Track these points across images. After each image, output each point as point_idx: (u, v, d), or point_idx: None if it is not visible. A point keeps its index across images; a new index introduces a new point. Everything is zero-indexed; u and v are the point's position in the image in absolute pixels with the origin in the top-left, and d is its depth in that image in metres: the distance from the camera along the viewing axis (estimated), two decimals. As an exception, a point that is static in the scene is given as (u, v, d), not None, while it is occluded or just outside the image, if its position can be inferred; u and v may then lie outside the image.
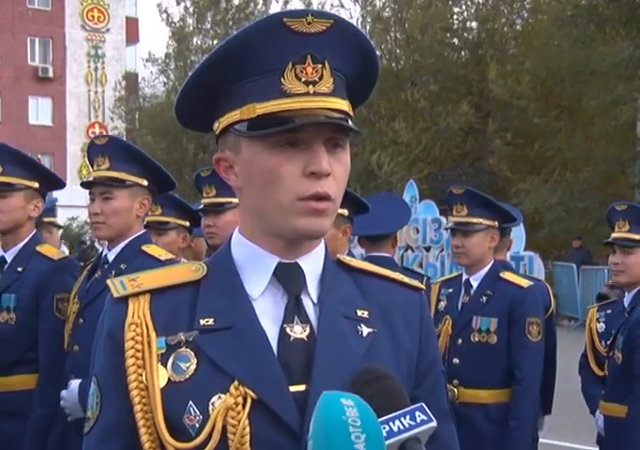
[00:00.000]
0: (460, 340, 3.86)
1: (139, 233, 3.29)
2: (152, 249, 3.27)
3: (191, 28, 27.18)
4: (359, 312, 1.40)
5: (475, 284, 3.94)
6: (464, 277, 4.01)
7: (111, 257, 3.25)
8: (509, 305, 3.81)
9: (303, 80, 1.29)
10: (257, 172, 1.32)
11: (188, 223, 4.54)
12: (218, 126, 1.38)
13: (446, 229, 4.20)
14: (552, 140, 19.83)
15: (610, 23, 18.43)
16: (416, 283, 1.51)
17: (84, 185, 3.34)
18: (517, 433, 3.71)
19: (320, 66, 1.30)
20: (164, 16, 27.29)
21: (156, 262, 3.09)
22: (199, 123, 1.45)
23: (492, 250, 4.00)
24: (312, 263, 1.40)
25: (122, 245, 3.24)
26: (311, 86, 1.29)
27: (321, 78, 1.30)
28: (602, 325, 4.30)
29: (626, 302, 4.10)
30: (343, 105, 1.34)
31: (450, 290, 4.05)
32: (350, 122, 1.35)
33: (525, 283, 3.95)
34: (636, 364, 3.59)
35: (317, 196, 1.30)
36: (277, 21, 1.28)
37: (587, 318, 4.44)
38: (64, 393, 3.23)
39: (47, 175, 3.70)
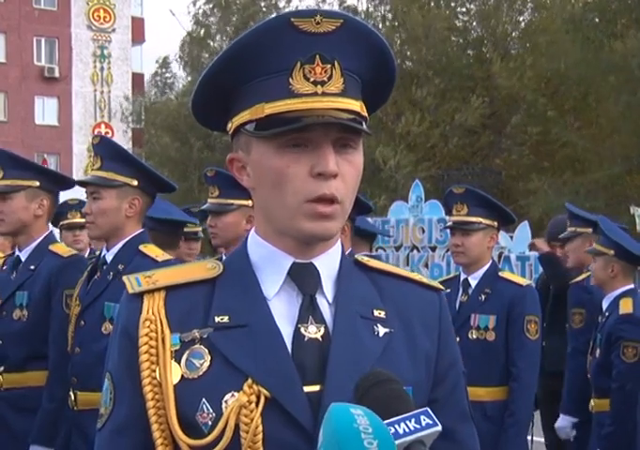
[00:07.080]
0: (457, 339, 3.87)
1: (136, 233, 3.27)
2: (149, 249, 3.25)
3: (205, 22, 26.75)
4: (376, 312, 1.38)
5: (473, 283, 3.97)
6: (463, 276, 4.03)
7: (109, 257, 3.25)
8: (507, 303, 3.84)
9: (312, 80, 1.28)
10: (266, 173, 1.31)
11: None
12: (230, 126, 1.37)
13: (445, 227, 4.26)
14: (561, 136, 19.73)
15: (621, 19, 18.27)
16: (435, 283, 1.49)
17: (80, 185, 3.38)
18: (513, 430, 3.72)
19: (329, 66, 1.28)
20: (191, 9, 26.84)
21: (152, 263, 3.09)
22: (216, 123, 1.44)
23: (490, 250, 4.02)
24: (327, 263, 1.38)
25: (119, 245, 3.23)
26: (319, 86, 1.28)
27: (330, 78, 1.28)
28: None
29: (604, 303, 4.39)
30: (355, 105, 1.31)
31: (448, 290, 4.06)
32: (364, 123, 1.33)
33: (524, 282, 4.00)
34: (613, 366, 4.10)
35: (324, 198, 1.29)
36: (285, 21, 1.28)
37: None
38: None
39: (45, 172, 3.74)
